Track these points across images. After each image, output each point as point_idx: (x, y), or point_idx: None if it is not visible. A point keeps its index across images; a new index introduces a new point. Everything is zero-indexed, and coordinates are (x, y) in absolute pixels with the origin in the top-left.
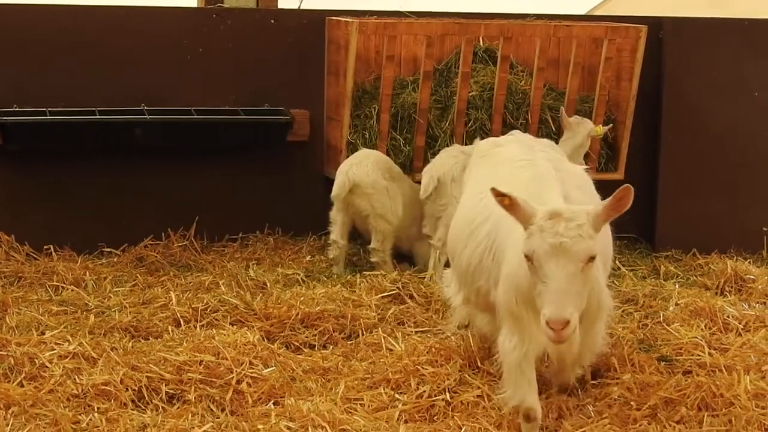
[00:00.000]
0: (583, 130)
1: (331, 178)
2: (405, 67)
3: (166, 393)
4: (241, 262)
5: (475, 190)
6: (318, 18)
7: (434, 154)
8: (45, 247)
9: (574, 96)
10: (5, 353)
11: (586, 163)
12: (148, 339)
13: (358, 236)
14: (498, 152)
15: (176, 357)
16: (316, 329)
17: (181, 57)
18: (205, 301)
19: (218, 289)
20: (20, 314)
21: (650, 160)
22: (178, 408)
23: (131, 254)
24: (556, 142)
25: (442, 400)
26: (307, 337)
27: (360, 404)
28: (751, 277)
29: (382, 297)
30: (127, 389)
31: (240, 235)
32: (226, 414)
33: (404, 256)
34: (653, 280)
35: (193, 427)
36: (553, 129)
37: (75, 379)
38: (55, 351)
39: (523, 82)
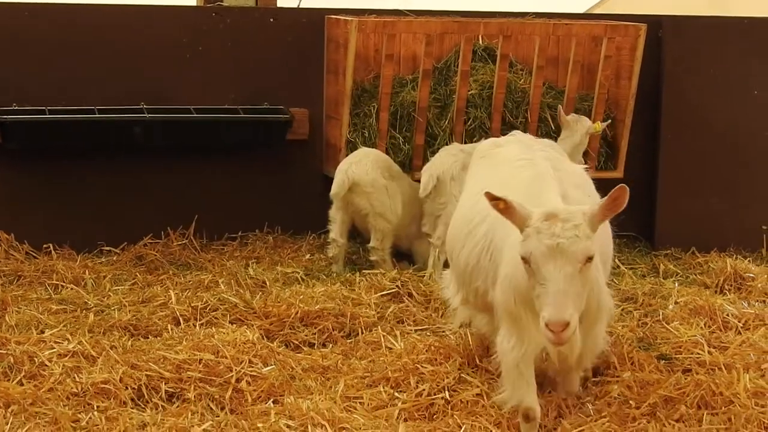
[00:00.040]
0: (581, 127)
1: (331, 176)
2: (404, 65)
3: (166, 391)
4: (241, 260)
5: (474, 190)
6: (317, 16)
7: (433, 153)
8: (44, 245)
9: (573, 94)
10: (5, 352)
11: (586, 162)
12: (148, 337)
13: (357, 235)
14: (497, 153)
15: (176, 355)
16: (315, 328)
17: (180, 55)
18: (204, 300)
19: (218, 288)
20: (20, 313)
21: (650, 158)
22: (177, 406)
23: (131, 253)
24: (556, 141)
25: (442, 398)
26: (306, 336)
27: (359, 403)
28: (751, 275)
29: (382, 295)
30: (127, 388)
31: (239, 233)
32: (226, 412)
33: (403, 255)
34: (653, 278)
35: (193, 426)
36: (553, 127)
37: (74, 377)
38: (54, 349)
39: (522, 80)
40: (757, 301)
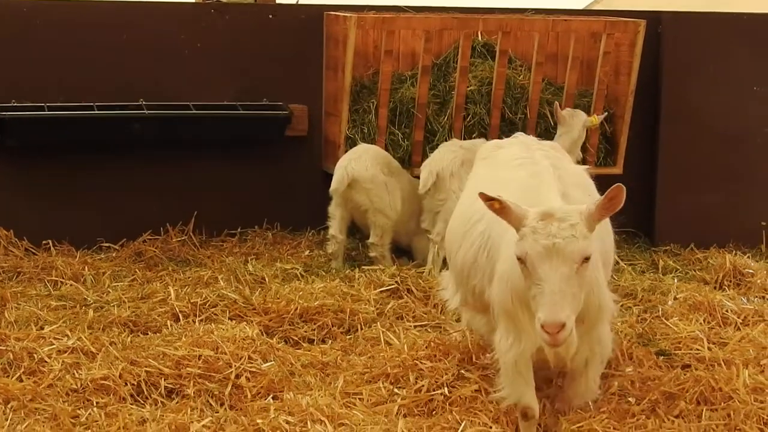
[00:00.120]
0: (577, 122)
1: (330, 173)
2: (403, 61)
3: (165, 387)
4: (240, 256)
5: (473, 190)
6: (316, 13)
7: (433, 149)
8: (44, 242)
9: (572, 90)
10: (4, 348)
11: (585, 158)
12: (147, 334)
13: (356, 231)
14: (498, 154)
15: (175, 352)
16: (314, 324)
17: (179, 52)
18: (203, 296)
19: (217, 284)
20: (19, 309)
21: (649, 154)
22: (177, 402)
23: (130, 249)
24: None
25: (441, 394)
26: (305, 332)
27: (359, 398)
28: (750, 271)
29: (381, 291)
30: (126, 384)
31: (239, 230)
32: (225, 408)
33: (403, 251)
34: (652, 274)
35: (192, 422)
36: (552, 123)
37: (74, 373)
38: (54, 346)
39: (521, 76)
40: (757, 296)
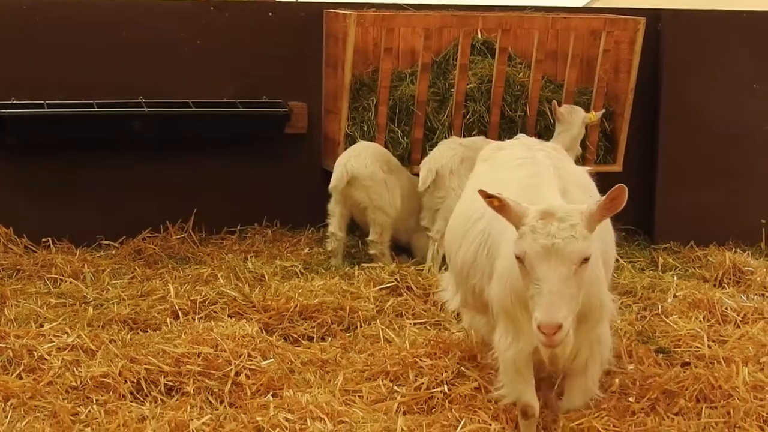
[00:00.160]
0: (576, 119)
1: (330, 170)
2: (403, 59)
3: (165, 385)
4: (240, 254)
5: (473, 189)
6: (316, 10)
7: (432, 147)
8: (43, 239)
9: (572, 88)
10: (4, 345)
11: (585, 155)
12: (147, 331)
13: (356, 228)
14: (499, 155)
15: (175, 349)
16: (314, 321)
17: (178, 49)
18: (203, 294)
19: (216, 282)
20: (19, 306)
21: (648, 152)
22: (176, 400)
23: (129, 247)
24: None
25: (440, 392)
26: (305, 329)
27: (358, 396)
28: (750, 269)
29: (381, 289)
30: (126, 381)
31: (238, 227)
32: (225, 406)
33: (402, 249)
34: (652, 272)
35: (192, 419)
36: (551, 121)
37: (74, 371)
38: (53, 343)
39: (521, 74)
40: (756, 294)
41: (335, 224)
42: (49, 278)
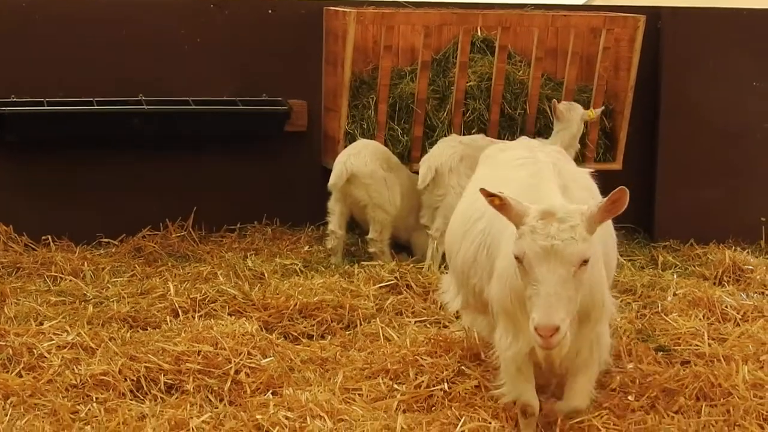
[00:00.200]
0: (575, 116)
1: (329, 168)
2: (403, 57)
3: (165, 383)
4: (239, 252)
5: (474, 190)
6: (316, 8)
7: (432, 145)
8: (43, 237)
9: (572, 86)
10: (4, 343)
11: (584, 153)
12: (147, 329)
13: (356, 226)
14: (500, 156)
15: (174, 347)
16: (314, 319)
17: (178, 47)
18: (203, 292)
19: (216, 280)
20: (19, 304)
21: (648, 150)
22: (176, 398)
23: (129, 245)
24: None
25: (440, 390)
26: (305, 328)
27: (358, 394)
28: (750, 267)
29: (380, 287)
30: (126, 379)
31: (238, 225)
32: (225, 404)
33: (402, 247)
34: (651, 270)
35: (192, 417)
36: (551, 119)
37: (74, 369)
38: (53, 341)
39: (521, 72)
40: (756, 292)
41: (335, 222)
42: (49, 276)
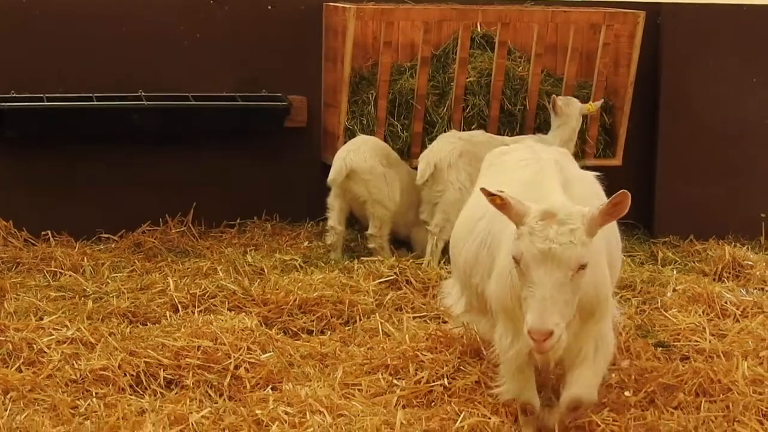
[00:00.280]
0: (573, 110)
1: (329, 164)
2: (402, 53)
3: (164, 378)
4: (239, 248)
5: (478, 192)
6: (315, 4)
7: (432, 140)
8: (43, 232)
9: (572, 82)
10: (3, 338)
11: (584, 149)
12: (146, 324)
13: (355, 222)
14: (504, 159)
15: (174, 342)
16: (313, 315)
17: (178, 43)
18: (203, 287)
19: (216, 275)
20: (18, 300)
21: (648, 146)
22: (176, 393)
23: (129, 240)
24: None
25: (440, 385)
26: (304, 323)
27: (358, 389)
28: (749, 263)
29: (380, 283)
30: (125, 374)
31: (238, 221)
32: (224, 399)
33: (402, 242)
34: (651, 266)
35: (191, 412)
36: (552, 115)
37: (73, 364)
38: (53, 336)
39: (520, 68)
40: (756, 288)
41: (334, 218)
42: (48, 271)
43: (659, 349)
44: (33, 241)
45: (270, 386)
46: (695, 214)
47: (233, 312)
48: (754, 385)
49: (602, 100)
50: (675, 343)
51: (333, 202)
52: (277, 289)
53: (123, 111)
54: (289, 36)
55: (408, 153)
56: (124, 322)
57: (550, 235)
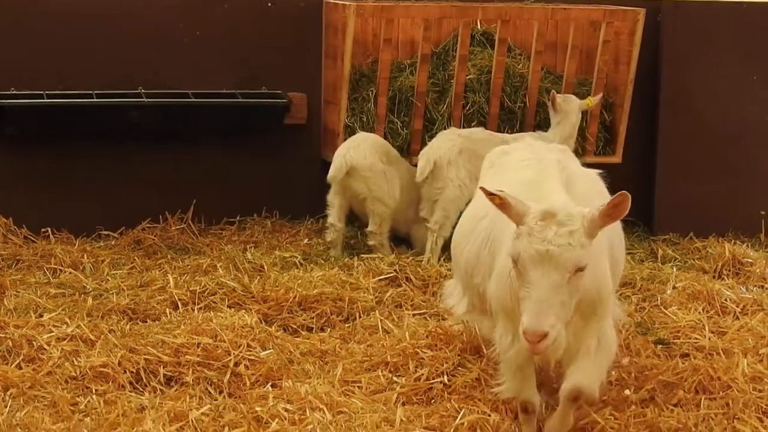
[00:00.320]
0: (572, 107)
1: (329, 161)
2: (402, 50)
3: (164, 375)
4: (239, 245)
5: (480, 192)
6: (315, 1)
7: (431, 138)
8: (43, 230)
9: (572, 79)
10: (3, 335)
11: (584, 146)
12: (146, 321)
13: (355, 219)
14: (506, 159)
15: (174, 339)
16: (313, 312)
17: (178, 40)
18: (202, 284)
19: (216, 272)
20: (18, 297)
21: (648, 143)
22: (176, 390)
23: (129, 237)
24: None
25: (440, 383)
26: (304, 320)
27: (358, 387)
28: (749, 260)
29: (380, 280)
30: (125, 371)
31: (237, 218)
32: (224, 396)
33: (401, 239)
34: (651, 263)
35: (191, 409)
36: (550, 112)
37: (73, 361)
38: (53, 333)
39: (520, 65)
40: (756, 286)
41: (334, 215)
42: (48, 268)
43: (659, 346)
44: (33, 238)
45: (270, 383)
46: (695, 212)
47: (233, 309)
48: (753, 383)
49: (601, 95)
50: (675, 341)
51: (333, 199)
52: (277, 286)
53: (123, 108)
54: (289, 33)
55: (408, 150)
56: (123, 319)
57: (548, 237)
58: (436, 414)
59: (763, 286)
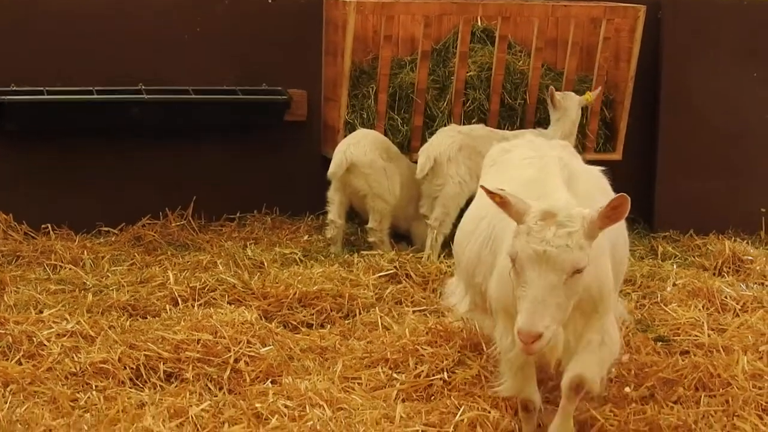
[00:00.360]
0: (572, 103)
1: (329, 157)
2: (403, 47)
3: (164, 371)
4: (239, 241)
5: (482, 191)
6: None
7: (432, 134)
8: (43, 226)
9: (572, 76)
10: (3, 331)
11: (584, 143)
12: (146, 318)
13: (355, 216)
14: (507, 157)
15: (174, 336)
16: (313, 308)
17: (178, 37)
18: (202, 281)
19: (216, 269)
20: (18, 293)
21: (648, 140)
22: (176, 386)
23: (129, 233)
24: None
25: (440, 379)
26: (304, 317)
27: (358, 383)
28: (749, 257)
29: (380, 276)
30: (125, 367)
31: (238, 214)
32: (224, 392)
33: (401, 236)
34: (651, 260)
35: (191, 406)
36: (550, 108)
37: (73, 357)
38: (53, 329)
39: (521, 62)
40: (756, 283)
41: (334, 212)
42: (48, 265)
43: (659, 343)
44: (33, 234)
45: (270, 380)
46: (695, 209)
47: (233, 305)
48: (753, 380)
49: (600, 89)
50: (675, 338)
51: (333, 195)
52: (277, 283)
53: (123, 104)
54: (290, 30)
55: (408, 147)
56: (123, 315)
57: (546, 237)
58: (436, 411)
59: (763, 284)
